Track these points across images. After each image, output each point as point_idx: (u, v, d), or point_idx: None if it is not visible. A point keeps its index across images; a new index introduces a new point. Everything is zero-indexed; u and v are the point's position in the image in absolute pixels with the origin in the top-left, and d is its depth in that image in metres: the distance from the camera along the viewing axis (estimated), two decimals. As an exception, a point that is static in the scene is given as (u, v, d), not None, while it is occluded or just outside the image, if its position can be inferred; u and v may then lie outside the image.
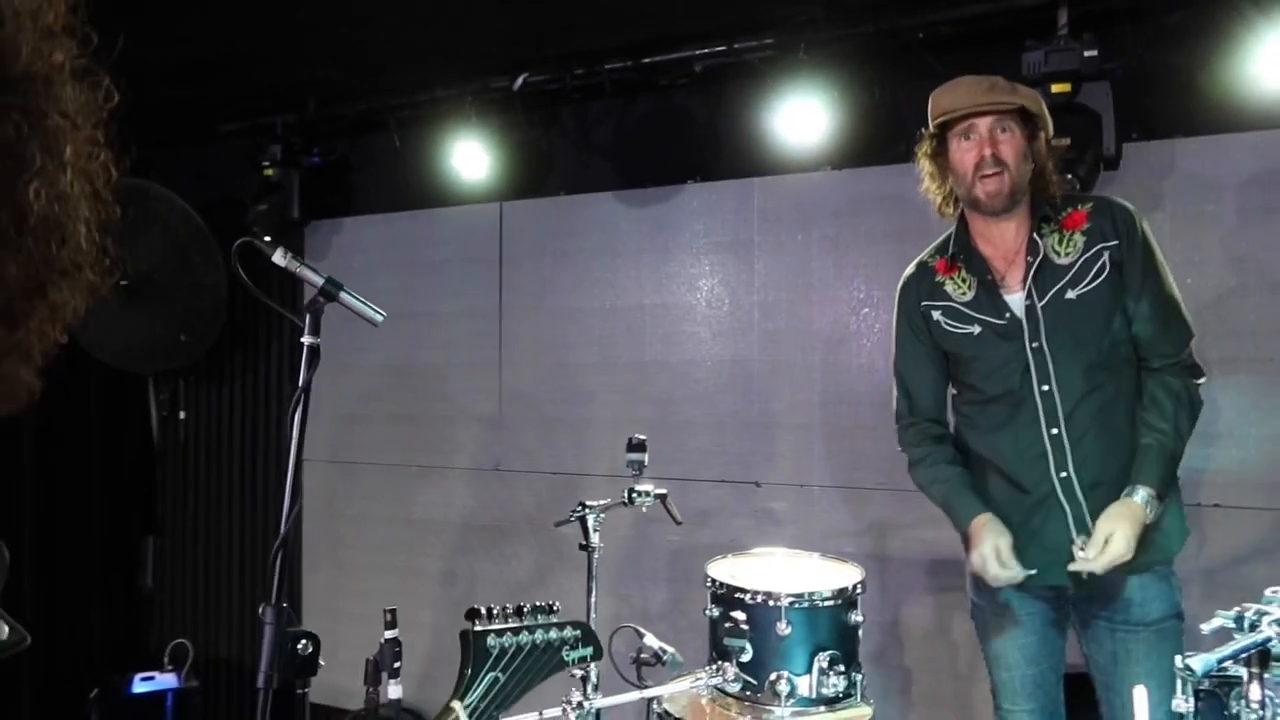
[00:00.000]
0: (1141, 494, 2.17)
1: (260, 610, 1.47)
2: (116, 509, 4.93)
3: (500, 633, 1.22)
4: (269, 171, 4.36)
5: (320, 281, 1.62)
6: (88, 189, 0.73)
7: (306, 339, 1.64)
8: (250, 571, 4.90)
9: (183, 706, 3.97)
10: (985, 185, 2.25)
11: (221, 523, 4.98)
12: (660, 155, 4.03)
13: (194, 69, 3.89)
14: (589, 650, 1.28)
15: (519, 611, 1.24)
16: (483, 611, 1.21)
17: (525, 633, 1.23)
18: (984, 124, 2.25)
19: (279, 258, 1.59)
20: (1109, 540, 2.12)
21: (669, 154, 4.01)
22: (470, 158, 4.03)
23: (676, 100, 4.00)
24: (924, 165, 2.41)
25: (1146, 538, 2.20)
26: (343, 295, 1.65)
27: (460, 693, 1.18)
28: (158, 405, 5.00)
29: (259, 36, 3.66)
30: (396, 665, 1.80)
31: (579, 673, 1.89)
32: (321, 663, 1.54)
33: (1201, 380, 2.29)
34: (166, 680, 3.99)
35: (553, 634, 1.26)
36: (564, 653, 1.26)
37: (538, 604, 1.26)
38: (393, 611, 1.83)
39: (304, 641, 1.47)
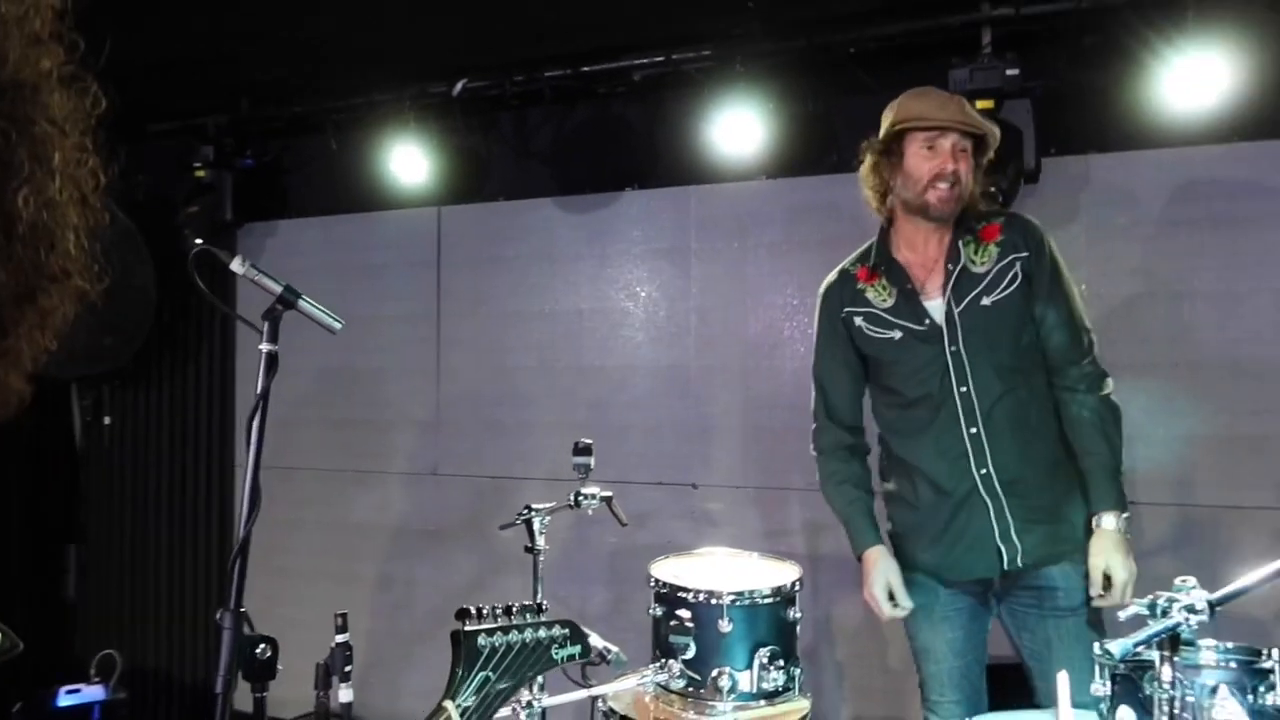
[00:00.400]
0: (1107, 520, 2.33)
1: (218, 615, 1.48)
2: (38, 517, 4.78)
3: (490, 632, 1.24)
4: (200, 173, 4.29)
5: (279, 289, 1.63)
6: (76, 195, 0.74)
7: (265, 346, 1.65)
8: (179, 579, 4.80)
9: (110, 719, 3.87)
10: (939, 193, 2.36)
11: (148, 530, 4.86)
12: (599, 162, 4.08)
13: (120, 67, 3.81)
14: (577, 648, 1.31)
15: (508, 611, 1.27)
16: (472, 611, 1.24)
17: (515, 632, 1.26)
18: (950, 139, 2.37)
19: (237, 266, 1.59)
20: (1110, 573, 2.28)
21: (607, 161, 4.06)
22: (408, 162, 4.02)
23: (615, 108, 4.05)
24: (869, 159, 2.49)
25: (1056, 531, 2.36)
26: (301, 303, 1.66)
27: (452, 692, 1.21)
28: (81, 410, 4.86)
29: (191, 36, 3.60)
30: (348, 669, 1.81)
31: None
32: (280, 667, 1.55)
33: (1109, 385, 2.42)
34: (93, 692, 3.88)
35: (541, 633, 1.29)
36: (553, 651, 1.30)
37: (525, 603, 1.29)
38: (344, 615, 1.84)
39: (263, 646, 1.48)
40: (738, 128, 3.53)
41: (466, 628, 1.23)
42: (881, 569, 2.45)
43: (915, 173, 2.39)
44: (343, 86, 4.10)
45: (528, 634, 1.27)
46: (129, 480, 4.90)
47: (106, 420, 4.87)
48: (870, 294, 2.51)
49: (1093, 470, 2.36)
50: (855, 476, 2.57)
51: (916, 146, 2.39)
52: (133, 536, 4.89)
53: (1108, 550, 2.30)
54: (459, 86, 3.94)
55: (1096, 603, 2.32)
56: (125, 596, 4.89)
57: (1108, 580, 2.29)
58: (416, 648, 4.30)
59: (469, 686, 1.20)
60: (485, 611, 1.26)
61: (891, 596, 2.44)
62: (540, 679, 2.28)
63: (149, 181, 4.46)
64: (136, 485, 4.89)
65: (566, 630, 1.32)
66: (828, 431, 2.61)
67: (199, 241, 4.18)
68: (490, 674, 1.22)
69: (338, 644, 1.78)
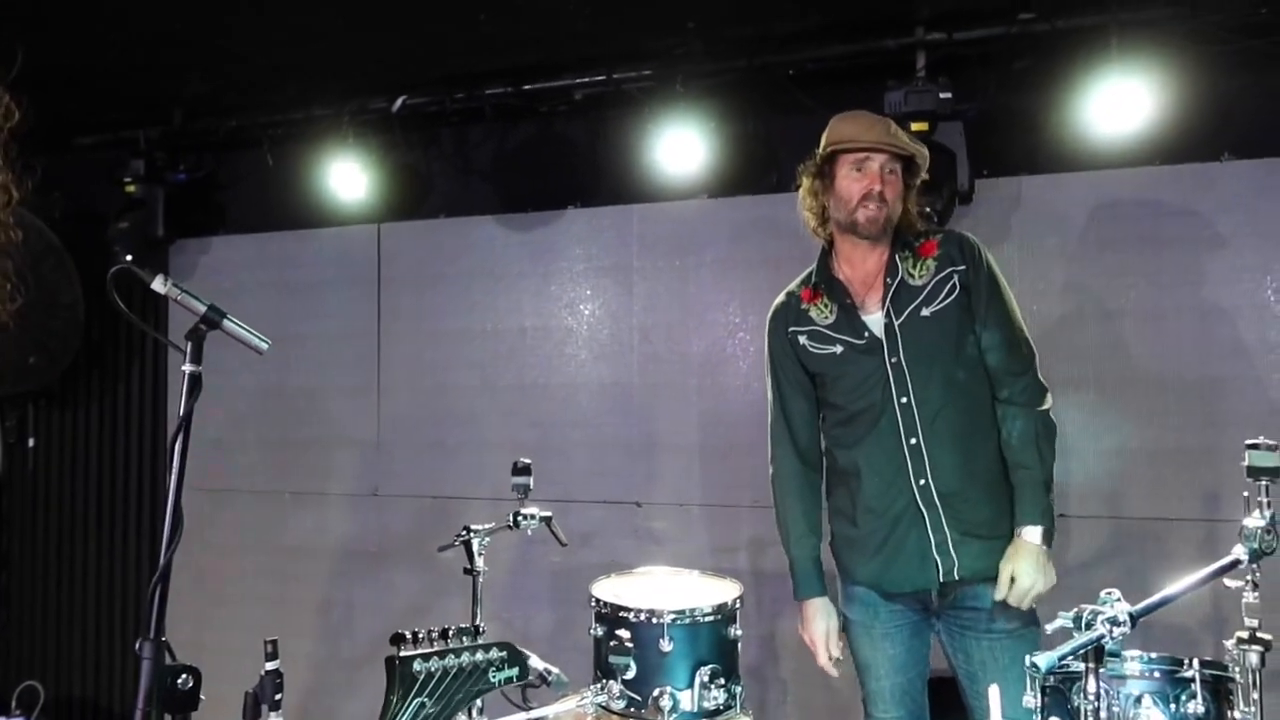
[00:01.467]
0: (1029, 533, 2.35)
1: (138, 645, 1.43)
2: (-44, 544, 4.61)
3: (426, 657, 1.21)
4: (131, 187, 4.19)
5: (203, 309, 1.59)
6: None
7: (187, 367, 1.60)
8: (107, 607, 4.65)
9: (32, 754, 3.72)
10: (867, 212, 2.41)
11: (75, 556, 4.71)
12: (541, 180, 4.07)
13: (44, 75, 3.70)
14: (515, 670, 1.29)
15: (444, 634, 1.23)
16: (408, 636, 1.20)
17: (451, 656, 1.23)
18: (878, 161, 2.42)
19: (159, 285, 1.55)
20: (1015, 579, 2.31)
21: (549, 179, 4.06)
22: (347, 178, 3.97)
23: (557, 126, 4.05)
24: (805, 183, 2.54)
25: (994, 545, 2.38)
26: (226, 323, 1.62)
27: (387, 720, 1.17)
28: (4, 432, 4.70)
29: (121, 46, 3.52)
30: (278, 697, 1.76)
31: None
32: (203, 697, 1.50)
33: (1048, 401, 2.45)
34: (14, 726, 3.73)
35: (479, 656, 1.26)
36: (490, 674, 1.27)
37: (462, 626, 1.26)
38: (274, 642, 1.79)
39: (184, 676, 1.43)
40: (679, 147, 3.55)
41: (401, 653, 1.20)
42: (821, 619, 2.54)
43: (845, 194, 2.44)
44: (280, 101, 4.04)
45: (465, 658, 1.24)
46: (54, 504, 4.74)
47: (30, 442, 4.72)
48: (813, 312, 2.54)
49: (1022, 483, 2.40)
50: (809, 514, 2.59)
51: (846, 169, 2.44)
52: (58, 562, 4.73)
53: (1019, 557, 2.33)
54: (399, 103, 3.91)
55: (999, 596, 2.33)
56: (49, 625, 4.73)
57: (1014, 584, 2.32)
58: (357, 673, 4.22)
59: (405, 713, 1.17)
60: (421, 636, 1.23)
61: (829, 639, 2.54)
62: (479, 702, 2.25)
63: (76, 196, 4.33)
64: (62, 509, 4.73)
65: (504, 652, 1.30)
66: (786, 459, 2.61)
67: (128, 259, 4.08)
68: (426, 700, 1.19)
69: (267, 671, 1.74)
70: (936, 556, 2.38)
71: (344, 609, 4.29)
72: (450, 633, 1.23)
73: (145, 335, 4.54)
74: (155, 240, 4.24)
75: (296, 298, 4.37)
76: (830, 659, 2.54)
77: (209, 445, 4.33)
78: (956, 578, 2.38)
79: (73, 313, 4.19)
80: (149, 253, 4.22)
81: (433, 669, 1.21)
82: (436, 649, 1.22)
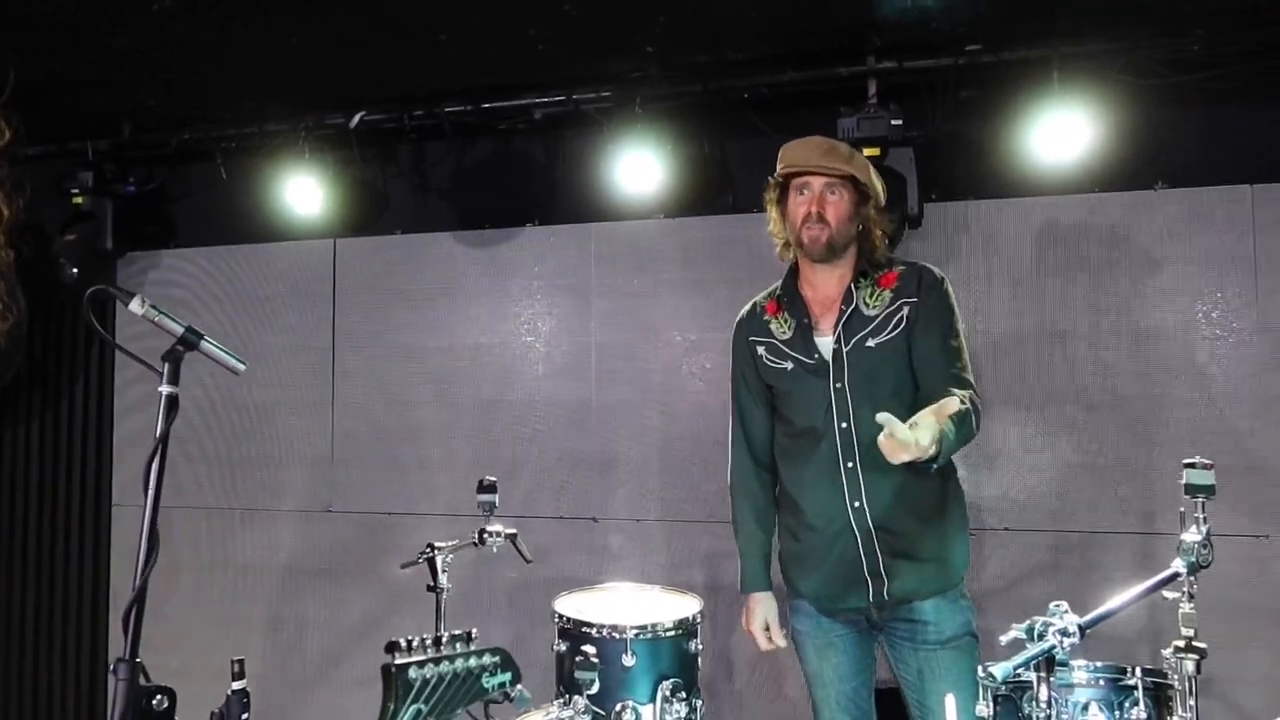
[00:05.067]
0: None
1: (112, 667, 1.42)
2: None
3: (421, 664, 1.23)
4: (78, 199, 4.12)
5: (180, 330, 1.59)
6: None
7: (165, 388, 1.61)
8: (48, 633, 4.52)
9: (-31, 781, 3.61)
10: (809, 232, 2.49)
11: (14, 580, 4.57)
12: (499, 197, 4.10)
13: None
14: (508, 676, 1.31)
15: (437, 641, 1.25)
16: (402, 643, 1.22)
17: (445, 662, 1.24)
18: (817, 183, 2.49)
19: (136, 306, 1.55)
20: (913, 428, 2.14)
21: (508, 196, 4.09)
22: (303, 193, 3.95)
23: (516, 145, 4.08)
24: (770, 209, 2.63)
25: (925, 568, 2.44)
26: (203, 344, 1.62)
27: (385, 729, 1.19)
28: (-61, 449, 4.56)
29: (68, 58, 3.46)
30: (244, 717, 1.75)
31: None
32: (177, 719, 1.50)
33: (978, 421, 2.40)
34: (-50, 753, 3.62)
35: (472, 661, 1.28)
36: (484, 679, 1.29)
37: (455, 632, 1.28)
38: (240, 662, 1.79)
39: (159, 696, 1.43)
40: (637, 167, 3.60)
41: (397, 661, 1.22)
42: (761, 611, 2.65)
43: (792, 216, 2.54)
44: (234, 114, 4.01)
45: (459, 664, 1.26)
46: (-7, 524, 4.62)
47: (-33, 460, 4.58)
48: (773, 325, 2.62)
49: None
50: (759, 512, 2.67)
51: (794, 192, 2.54)
52: (-4, 583, 4.60)
53: (933, 418, 2.16)
54: (357, 118, 3.90)
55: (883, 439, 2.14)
56: (-13, 648, 4.59)
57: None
58: (309, 692, 4.17)
59: None
60: (415, 643, 1.25)
61: (769, 630, 2.64)
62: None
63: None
64: (0, 529, 4.60)
65: (497, 658, 1.32)
66: (741, 460, 2.70)
67: (74, 271, 4.01)
68: (423, 706, 1.20)
69: (234, 691, 1.73)
70: (868, 577, 2.45)
71: (295, 627, 4.24)
72: (443, 639, 1.25)
73: (91, 352, 4.45)
74: (103, 253, 4.17)
75: (250, 312, 4.33)
76: (771, 645, 2.65)
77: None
78: (886, 598, 2.45)
79: (17, 328, 4.09)
80: (96, 265, 4.15)
81: (428, 675, 1.23)
82: (431, 655, 1.24)
